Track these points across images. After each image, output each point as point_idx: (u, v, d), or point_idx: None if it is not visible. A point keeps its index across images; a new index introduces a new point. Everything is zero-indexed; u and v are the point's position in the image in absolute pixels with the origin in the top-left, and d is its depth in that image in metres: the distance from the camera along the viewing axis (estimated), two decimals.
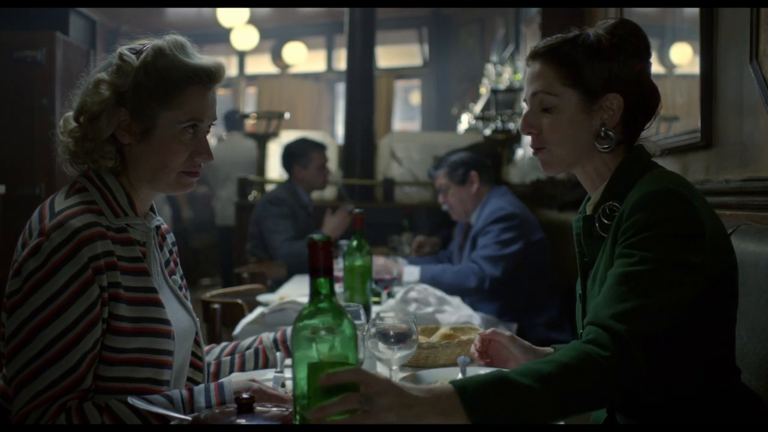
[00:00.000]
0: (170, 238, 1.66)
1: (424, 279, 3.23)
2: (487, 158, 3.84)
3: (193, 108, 1.46)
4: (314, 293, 1.04)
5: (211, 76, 1.48)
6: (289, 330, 1.77)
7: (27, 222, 1.41)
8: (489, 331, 1.64)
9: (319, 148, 4.44)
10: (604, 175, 1.46)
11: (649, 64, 1.46)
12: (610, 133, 1.42)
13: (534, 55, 1.47)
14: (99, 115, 1.43)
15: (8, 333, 1.32)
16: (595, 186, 1.48)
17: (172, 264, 1.62)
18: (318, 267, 1.04)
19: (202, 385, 1.42)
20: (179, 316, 1.52)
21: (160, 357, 1.41)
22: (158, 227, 1.58)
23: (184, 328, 1.52)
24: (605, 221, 1.41)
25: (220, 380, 1.44)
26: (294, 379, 1.02)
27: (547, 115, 1.45)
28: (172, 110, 1.44)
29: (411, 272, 3.30)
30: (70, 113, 1.48)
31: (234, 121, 7.35)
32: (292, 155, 4.41)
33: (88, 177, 1.46)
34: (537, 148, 1.49)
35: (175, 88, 1.45)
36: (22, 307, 1.31)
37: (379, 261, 3.17)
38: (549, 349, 1.60)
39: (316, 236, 1.04)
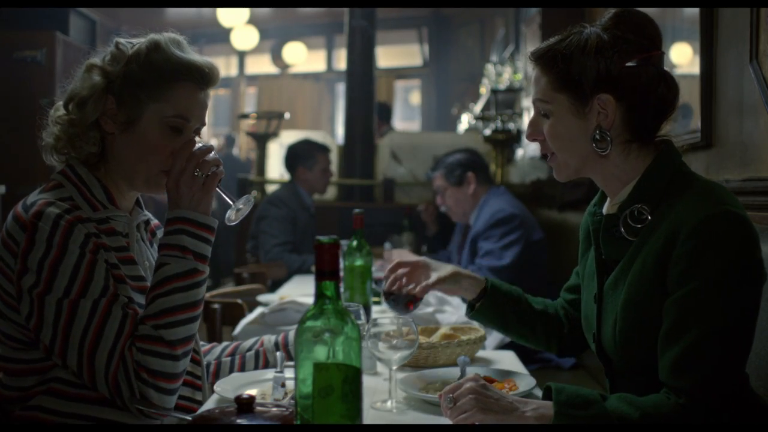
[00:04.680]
0: (161, 233, 1.66)
1: None
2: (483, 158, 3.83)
3: (181, 104, 1.44)
4: (319, 295, 1.02)
5: (203, 75, 1.46)
6: (290, 333, 1.77)
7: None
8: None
9: (324, 151, 4.42)
10: (628, 176, 1.38)
11: (652, 57, 1.34)
12: (606, 135, 1.35)
13: (531, 59, 1.42)
14: (86, 101, 1.44)
15: (50, 320, 1.32)
16: (616, 187, 1.40)
17: None
18: (324, 269, 1.02)
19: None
20: None
21: None
22: (147, 222, 1.58)
23: None
24: (632, 224, 1.34)
25: None
26: (296, 379, 1.01)
27: (546, 121, 1.40)
28: (159, 103, 1.43)
29: None
30: (61, 102, 1.49)
31: None
32: (296, 156, 4.38)
33: (64, 173, 1.46)
34: (545, 154, 1.45)
35: (166, 81, 1.43)
36: (51, 292, 1.32)
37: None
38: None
39: (323, 238, 1.02)
